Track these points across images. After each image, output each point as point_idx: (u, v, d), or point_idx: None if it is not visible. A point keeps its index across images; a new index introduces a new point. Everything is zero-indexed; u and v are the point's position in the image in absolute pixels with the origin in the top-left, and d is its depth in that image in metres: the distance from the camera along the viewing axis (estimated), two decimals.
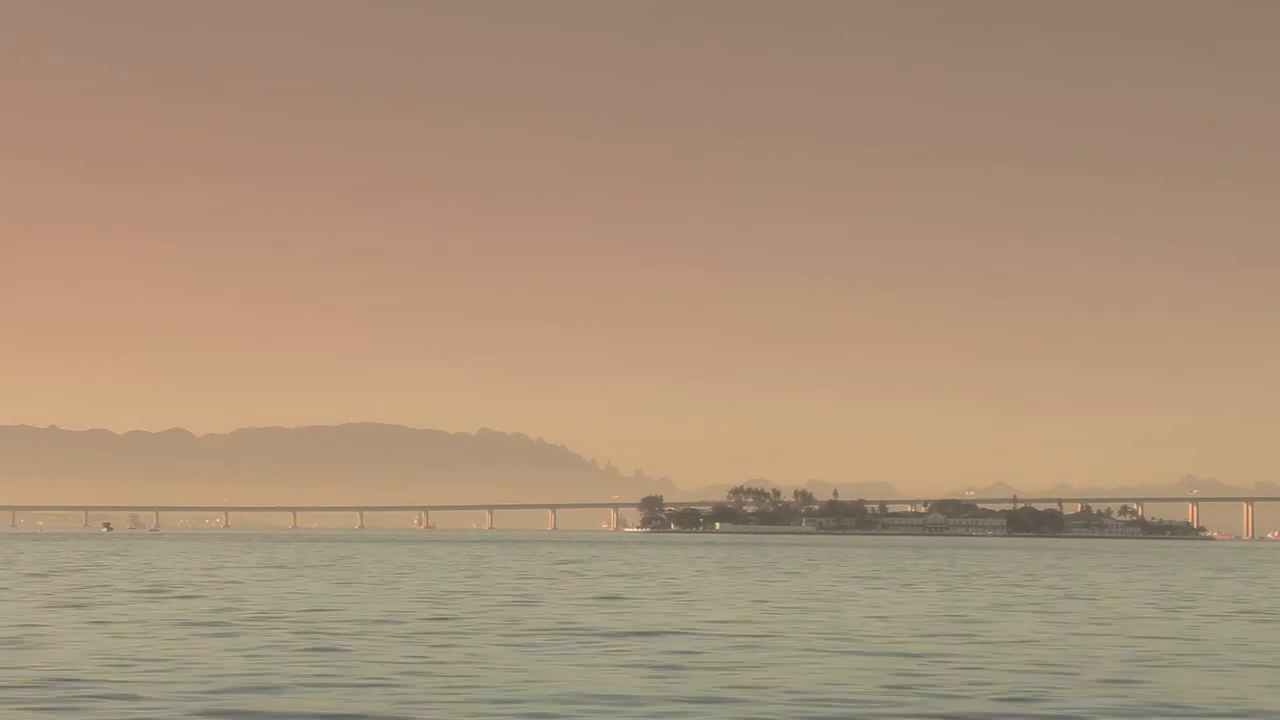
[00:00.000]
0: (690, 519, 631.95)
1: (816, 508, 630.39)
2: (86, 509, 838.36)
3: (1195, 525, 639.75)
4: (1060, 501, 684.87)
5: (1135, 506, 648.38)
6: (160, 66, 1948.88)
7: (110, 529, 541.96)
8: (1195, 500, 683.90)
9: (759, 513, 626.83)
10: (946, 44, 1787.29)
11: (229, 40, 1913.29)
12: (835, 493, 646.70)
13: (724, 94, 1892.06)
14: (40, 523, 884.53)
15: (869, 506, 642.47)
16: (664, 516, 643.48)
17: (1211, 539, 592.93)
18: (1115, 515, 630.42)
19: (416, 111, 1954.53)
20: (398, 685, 30.94)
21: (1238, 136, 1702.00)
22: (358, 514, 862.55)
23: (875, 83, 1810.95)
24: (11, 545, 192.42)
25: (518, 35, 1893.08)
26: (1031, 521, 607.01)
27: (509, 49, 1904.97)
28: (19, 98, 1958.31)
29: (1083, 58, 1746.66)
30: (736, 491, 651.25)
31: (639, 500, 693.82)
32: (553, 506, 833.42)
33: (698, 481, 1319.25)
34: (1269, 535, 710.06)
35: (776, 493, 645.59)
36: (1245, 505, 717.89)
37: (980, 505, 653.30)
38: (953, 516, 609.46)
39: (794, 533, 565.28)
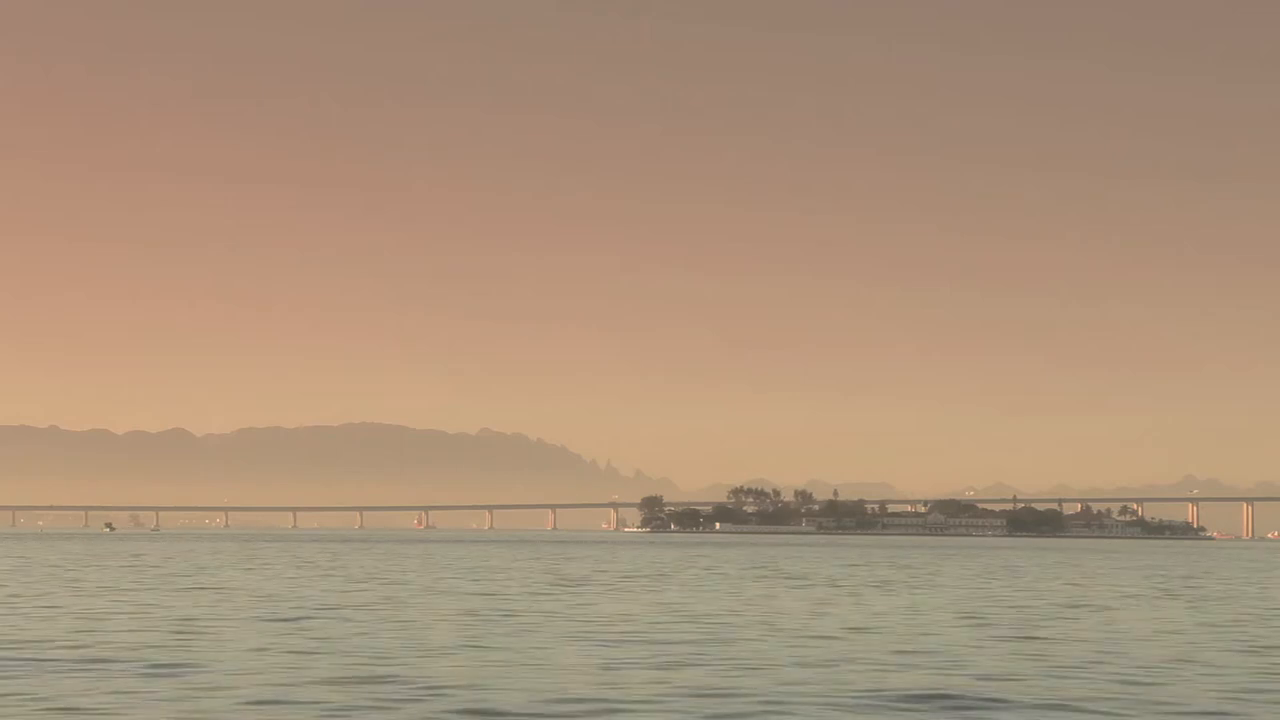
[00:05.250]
0: (690, 519, 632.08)
1: (816, 508, 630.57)
2: (86, 509, 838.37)
3: (1195, 525, 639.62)
4: (1060, 501, 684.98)
5: (1135, 506, 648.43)
6: (160, 71, 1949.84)
7: (112, 529, 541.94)
8: (1195, 500, 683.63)
9: (759, 513, 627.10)
10: (942, 45, 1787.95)
11: (226, 44, 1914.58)
12: (835, 493, 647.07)
13: (727, 95, 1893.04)
14: (40, 523, 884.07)
15: (869, 506, 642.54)
16: (664, 516, 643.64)
17: (1211, 539, 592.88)
18: (1115, 515, 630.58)
19: (417, 113, 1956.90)
20: None
21: (1239, 137, 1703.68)
22: (358, 514, 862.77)
23: (877, 83, 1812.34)
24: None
25: (520, 37, 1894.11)
26: (1031, 521, 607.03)
27: (512, 51, 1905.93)
28: (20, 101, 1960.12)
29: (1083, 58, 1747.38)
30: (736, 491, 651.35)
31: (639, 500, 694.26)
32: (553, 506, 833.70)
33: (698, 481, 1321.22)
34: (1269, 535, 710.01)
35: (776, 493, 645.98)
36: (1245, 505, 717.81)
37: (980, 505, 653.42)
38: (953, 516, 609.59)
39: (794, 533, 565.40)
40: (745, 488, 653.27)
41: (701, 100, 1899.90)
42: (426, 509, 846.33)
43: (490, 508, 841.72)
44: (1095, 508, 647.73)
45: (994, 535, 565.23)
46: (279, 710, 28.24)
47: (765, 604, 63.78)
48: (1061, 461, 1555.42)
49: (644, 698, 30.37)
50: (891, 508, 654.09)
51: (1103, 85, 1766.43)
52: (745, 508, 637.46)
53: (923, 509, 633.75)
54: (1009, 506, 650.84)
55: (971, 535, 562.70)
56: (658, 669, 35.52)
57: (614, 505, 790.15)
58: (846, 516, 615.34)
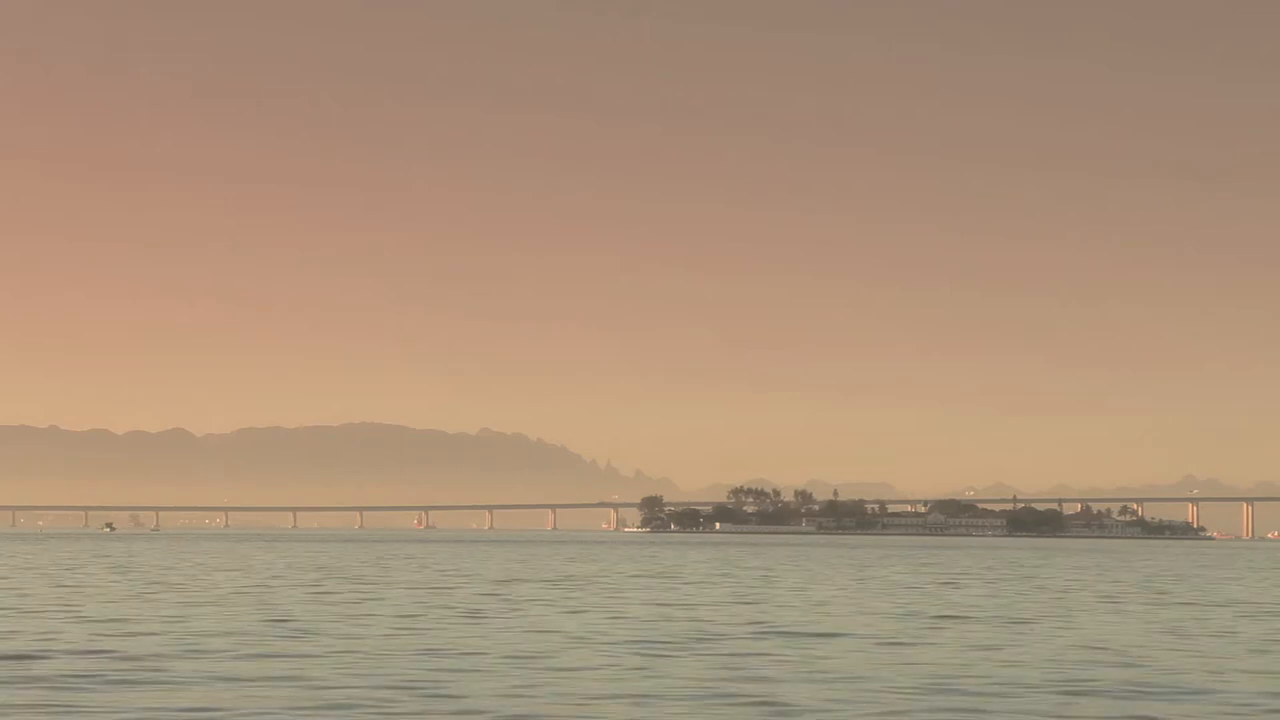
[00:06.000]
0: (690, 519, 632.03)
1: (816, 508, 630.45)
2: (86, 509, 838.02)
3: (1195, 525, 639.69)
4: (1060, 501, 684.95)
5: (1135, 506, 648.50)
6: (159, 71, 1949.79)
7: (113, 529, 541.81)
8: (1195, 500, 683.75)
9: (759, 513, 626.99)
10: (942, 45, 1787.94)
11: (226, 44, 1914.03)
12: (835, 493, 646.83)
13: (727, 95, 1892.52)
14: (40, 523, 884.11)
15: (869, 506, 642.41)
16: (664, 516, 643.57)
17: (1211, 539, 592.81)
18: (1115, 515, 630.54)
19: (417, 113, 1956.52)
20: None
21: (1239, 137, 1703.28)
22: (358, 514, 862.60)
23: (877, 83, 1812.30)
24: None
25: (520, 37, 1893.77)
26: (1031, 521, 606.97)
27: (513, 51, 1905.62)
28: (19, 101, 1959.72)
29: (1083, 58, 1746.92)
30: (736, 491, 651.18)
31: (639, 500, 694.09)
32: (553, 506, 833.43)
33: (698, 481, 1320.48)
34: (1269, 535, 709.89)
35: (776, 493, 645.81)
36: (1245, 505, 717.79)
37: (980, 505, 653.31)
38: (953, 516, 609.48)
39: (794, 533, 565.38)
40: (745, 488, 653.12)
41: (701, 100, 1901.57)
42: (426, 509, 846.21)
43: (490, 508, 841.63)
44: (1095, 508, 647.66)
45: (994, 535, 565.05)
46: None
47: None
48: (1061, 461, 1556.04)
49: None
50: (891, 508, 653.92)
51: (1103, 85, 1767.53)
52: (745, 508, 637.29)
53: (923, 509, 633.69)
54: (1009, 506, 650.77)
55: (971, 535, 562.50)
56: None
57: (614, 505, 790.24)
58: (846, 516, 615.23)
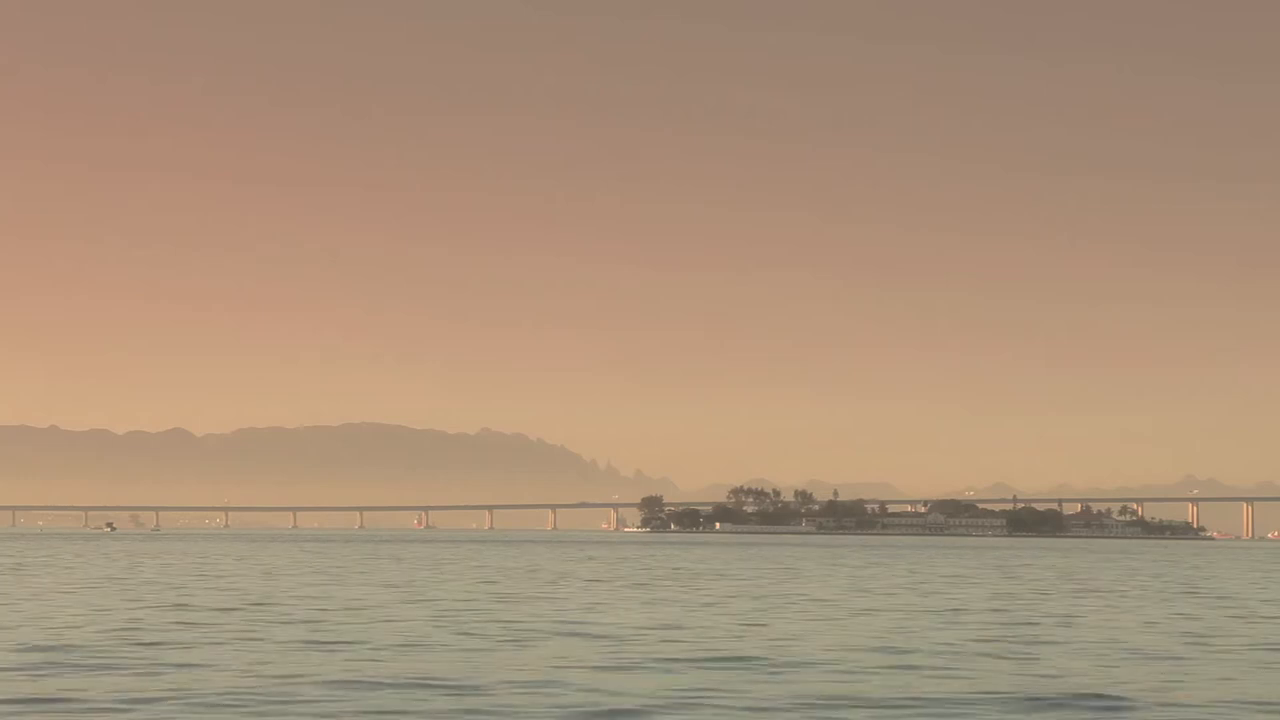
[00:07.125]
0: (690, 519, 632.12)
1: (816, 508, 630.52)
2: (86, 509, 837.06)
3: (1195, 525, 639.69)
4: (1060, 501, 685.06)
5: (1135, 506, 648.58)
6: (159, 70, 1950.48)
7: (113, 529, 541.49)
8: (1195, 500, 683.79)
9: (759, 513, 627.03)
10: (942, 45, 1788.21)
11: (228, 45, 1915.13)
12: (835, 493, 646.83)
13: (727, 95, 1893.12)
14: (40, 523, 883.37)
15: (869, 506, 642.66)
16: (664, 516, 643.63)
17: (1211, 539, 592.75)
18: (1115, 515, 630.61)
19: (417, 114, 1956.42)
20: None
21: (1239, 137, 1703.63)
22: (358, 514, 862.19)
23: (877, 83, 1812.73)
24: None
25: (521, 38, 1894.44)
26: (1031, 521, 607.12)
27: (514, 52, 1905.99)
28: (18, 101, 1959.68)
29: (1084, 59, 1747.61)
30: (736, 491, 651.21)
31: (639, 500, 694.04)
32: (553, 506, 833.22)
33: (698, 481, 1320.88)
34: (1269, 535, 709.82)
35: (776, 493, 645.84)
36: (1245, 505, 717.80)
37: (980, 505, 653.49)
38: (953, 516, 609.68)
39: (794, 533, 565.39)
40: (745, 488, 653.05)
41: (702, 100, 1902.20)
42: (426, 509, 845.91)
43: (490, 508, 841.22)
44: (1095, 508, 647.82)
45: (994, 535, 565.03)
46: None
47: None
48: (1061, 461, 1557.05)
49: None
50: (891, 508, 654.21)
51: (1104, 86, 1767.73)
52: (745, 508, 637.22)
53: (923, 509, 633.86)
54: (1009, 506, 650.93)
55: (971, 535, 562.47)
56: None
57: (614, 505, 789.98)
58: (846, 516, 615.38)
